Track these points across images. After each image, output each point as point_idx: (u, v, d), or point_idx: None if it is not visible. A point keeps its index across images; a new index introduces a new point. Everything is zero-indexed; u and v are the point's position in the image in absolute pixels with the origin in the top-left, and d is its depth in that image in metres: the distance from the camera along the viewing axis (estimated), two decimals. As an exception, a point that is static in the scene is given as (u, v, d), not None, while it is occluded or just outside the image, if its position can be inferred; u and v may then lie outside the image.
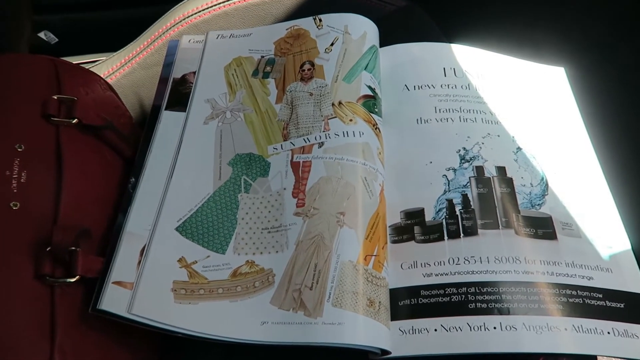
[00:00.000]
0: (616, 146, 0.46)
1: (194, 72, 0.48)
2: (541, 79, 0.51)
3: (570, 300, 0.36)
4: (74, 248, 0.33)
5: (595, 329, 0.35)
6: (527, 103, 0.48)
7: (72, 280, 0.33)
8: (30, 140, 0.36)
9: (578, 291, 0.37)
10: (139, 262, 0.36)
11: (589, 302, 0.37)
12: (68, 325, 0.31)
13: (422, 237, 0.39)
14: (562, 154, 0.45)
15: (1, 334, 0.30)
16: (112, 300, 0.34)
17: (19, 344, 0.30)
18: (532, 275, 0.37)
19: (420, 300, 0.37)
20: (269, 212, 0.39)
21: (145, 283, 0.35)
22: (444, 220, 0.40)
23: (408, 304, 0.37)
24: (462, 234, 0.39)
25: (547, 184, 0.42)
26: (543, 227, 0.40)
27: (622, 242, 0.40)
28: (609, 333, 0.35)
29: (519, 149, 0.44)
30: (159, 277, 0.36)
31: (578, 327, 0.35)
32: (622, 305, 0.37)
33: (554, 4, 0.55)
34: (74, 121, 0.39)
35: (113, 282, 0.34)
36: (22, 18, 0.50)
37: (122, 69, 0.57)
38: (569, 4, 0.54)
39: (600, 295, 0.37)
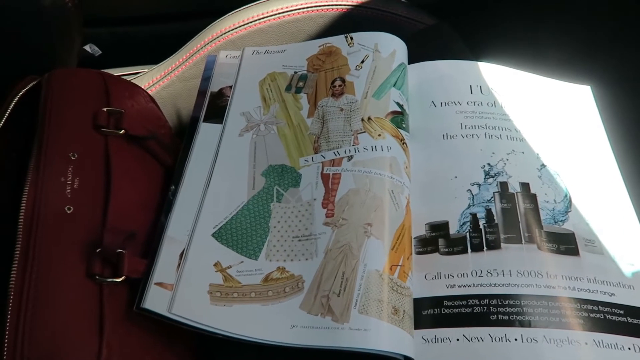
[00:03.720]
0: (641, 165, 0.47)
1: (231, 86, 0.50)
2: (567, 97, 0.51)
3: (592, 315, 0.37)
4: (121, 250, 0.36)
5: (616, 344, 0.36)
6: (552, 121, 0.49)
7: (119, 280, 0.35)
8: (82, 149, 0.39)
9: (599, 307, 0.38)
10: (179, 265, 0.38)
11: (610, 317, 0.37)
12: (114, 322, 0.34)
13: (446, 250, 0.41)
14: (586, 172, 0.46)
15: (55, 327, 0.32)
16: (154, 300, 0.36)
17: (70, 338, 0.32)
18: (554, 290, 0.38)
19: (443, 311, 0.38)
20: (300, 221, 0.41)
21: (184, 285, 0.37)
22: (467, 234, 0.41)
23: (431, 313, 0.38)
24: (485, 248, 0.40)
25: (570, 201, 0.43)
26: (566, 243, 0.41)
27: (645, 260, 0.41)
28: (629, 349, 0.36)
29: (543, 165, 0.45)
30: (196, 280, 0.38)
31: (599, 342, 0.36)
32: (644, 322, 0.37)
33: (581, 24, 0.55)
34: (121, 132, 0.42)
35: (155, 283, 0.37)
36: (73, 33, 0.54)
37: (162, 81, 0.60)
38: (596, 23, 0.54)
39: (622, 312, 0.38)
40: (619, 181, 0.46)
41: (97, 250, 0.35)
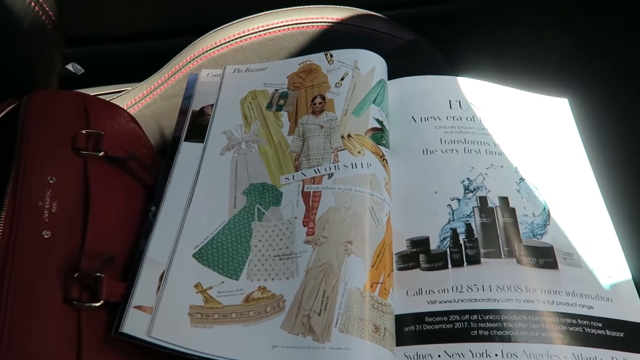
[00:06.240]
0: (618, 177, 0.47)
1: (212, 105, 0.50)
2: (545, 110, 0.52)
3: (571, 329, 0.38)
4: (99, 274, 0.36)
5: (595, 357, 0.36)
6: (530, 134, 0.50)
7: (97, 304, 0.35)
8: (60, 173, 0.39)
9: (578, 320, 0.38)
10: (159, 287, 0.38)
11: (589, 330, 0.38)
12: (93, 347, 0.34)
13: (427, 265, 0.41)
14: (564, 185, 0.46)
15: (31, 355, 0.32)
16: (133, 324, 0.36)
17: (48, 364, 0.32)
18: (534, 304, 0.38)
19: (425, 327, 0.38)
20: (281, 239, 0.41)
21: (164, 307, 0.37)
22: (448, 249, 0.41)
23: (413, 330, 0.38)
24: (465, 263, 0.41)
25: (549, 214, 0.44)
26: (544, 257, 0.41)
27: (622, 272, 0.41)
28: (608, 362, 0.36)
29: (521, 179, 0.46)
30: (176, 302, 0.38)
31: (578, 356, 0.36)
32: (622, 335, 0.38)
33: (559, 37, 0.57)
34: (101, 154, 0.42)
35: (134, 307, 0.37)
36: (54, 53, 0.54)
37: (144, 100, 0.60)
38: (573, 36, 0.55)
39: (600, 325, 0.38)
40: (597, 194, 0.46)
41: (75, 275, 0.35)
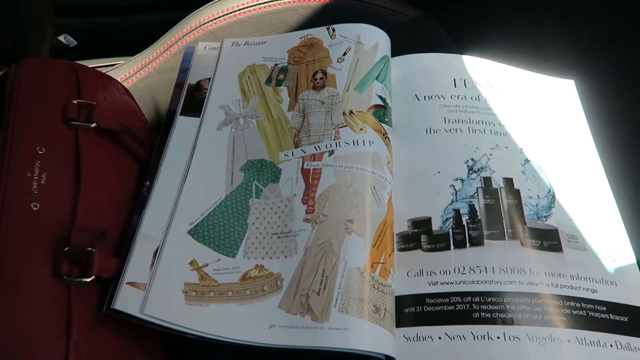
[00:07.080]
0: (624, 160, 0.46)
1: (209, 79, 0.49)
2: (551, 91, 0.51)
3: (574, 312, 0.37)
4: (90, 249, 0.34)
5: (599, 341, 0.36)
6: (536, 115, 0.48)
7: (88, 280, 0.34)
8: (50, 143, 0.37)
9: (582, 303, 0.37)
10: (152, 263, 0.37)
11: (592, 314, 0.37)
12: (83, 324, 0.32)
13: (429, 246, 0.40)
14: (569, 167, 0.45)
15: (19, 331, 0.31)
16: (126, 301, 0.35)
17: (35, 342, 0.31)
18: (537, 287, 0.38)
19: (426, 308, 0.38)
20: (279, 217, 0.40)
21: (158, 284, 0.36)
22: (450, 230, 0.40)
23: (413, 311, 0.38)
24: (468, 244, 0.40)
25: (554, 197, 0.43)
26: (549, 239, 0.40)
27: (627, 256, 0.40)
28: (611, 346, 0.36)
29: (527, 160, 0.45)
30: (170, 279, 0.37)
31: (581, 339, 0.36)
32: (626, 319, 0.37)
33: (566, 17, 0.55)
34: (93, 125, 0.40)
35: (127, 283, 0.35)
36: (45, 22, 0.52)
37: (138, 73, 0.58)
38: (581, 17, 0.54)
39: (604, 308, 0.37)
40: (602, 176, 0.45)
41: (65, 249, 0.34)
